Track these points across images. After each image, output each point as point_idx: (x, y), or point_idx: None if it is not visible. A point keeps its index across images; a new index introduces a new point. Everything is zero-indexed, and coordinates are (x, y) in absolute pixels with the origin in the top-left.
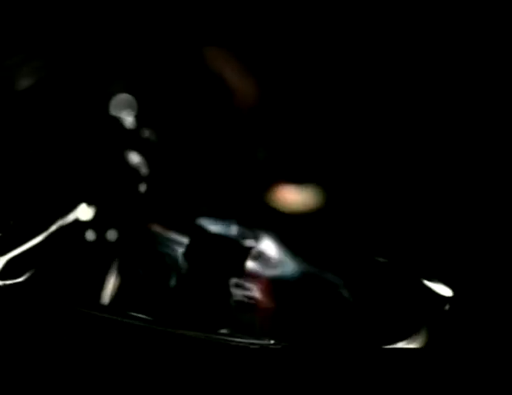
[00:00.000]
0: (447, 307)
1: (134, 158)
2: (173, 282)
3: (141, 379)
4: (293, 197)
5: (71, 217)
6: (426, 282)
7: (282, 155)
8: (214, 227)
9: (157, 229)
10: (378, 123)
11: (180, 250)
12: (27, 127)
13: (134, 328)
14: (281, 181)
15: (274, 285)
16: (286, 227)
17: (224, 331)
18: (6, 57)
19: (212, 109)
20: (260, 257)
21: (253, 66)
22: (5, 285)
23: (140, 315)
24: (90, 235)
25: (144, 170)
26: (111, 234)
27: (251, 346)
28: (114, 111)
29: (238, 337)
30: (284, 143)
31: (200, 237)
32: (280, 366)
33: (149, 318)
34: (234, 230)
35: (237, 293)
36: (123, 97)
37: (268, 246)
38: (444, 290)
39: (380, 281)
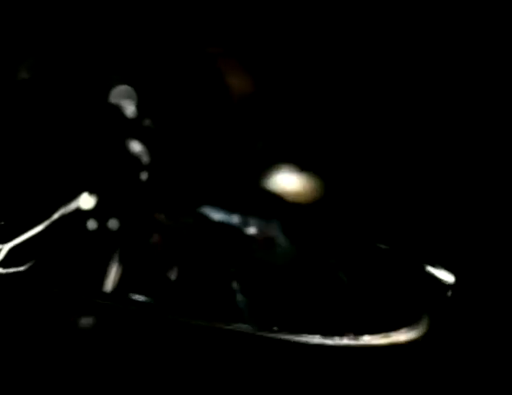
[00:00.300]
0: (449, 293)
1: (136, 147)
2: (175, 270)
3: (144, 367)
4: (295, 185)
5: (73, 206)
6: (429, 268)
7: (284, 144)
8: (216, 215)
9: (159, 217)
10: (378, 111)
11: (183, 239)
12: (29, 116)
13: (137, 315)
14: (283, 169)
15: (274, 272)
16: (287, 215)
17: (227, 318)
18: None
19: (213, 98)
20: (263, 244)
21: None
22: (7, 274)
23: (143, 301)
24: (91, 224)
25: (146, 159)
26: (113, 223)
27: (254, 333)
28: (115, 100)
29: (240, 324)
30: (285, 132)
31: (202, 225)
32: (284, 353)
33: (152, 305)
34: (236, 218)
35: (239, 280)
36: (124, 87)
37: (270, 233)
38: (447, 277)
39: (382, 268)
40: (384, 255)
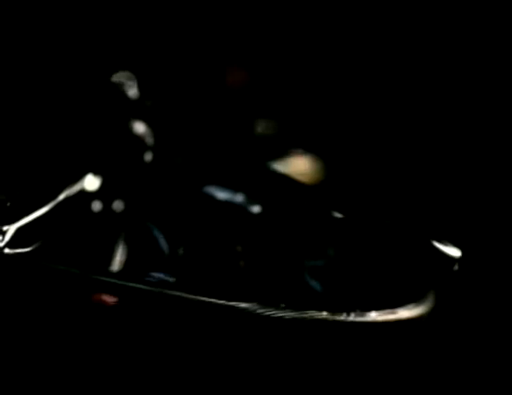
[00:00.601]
0: (456, 268)
1: (139, 128)
2: (180, 249)
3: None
4: (298, 165)
5: (77, 187)
6: (435, 243)
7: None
8: (221, 194)
9: (163, 196)
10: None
11: (188, 218)
12: (34, 99)
13: (145, 294)
14: (286, 149)
15: (280, 250)
16: (290, 194)
17: (231, 296)
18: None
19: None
20: (268, 222)
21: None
22: (14, 254)
23: (150, 280)
24: (96, 205)
25: (150, 140)
26: (117, 204)
27: (257, 311)
28: (118, 81)
29: (247, 302)
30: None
31: (207, 204)
32: (291, 330)
33: (159, 284)
34: (240, 197)
35: (243, 259)
36: (126, 72)
37: (273, 213)
38: (453, 251)
39: (388, 244)
40: (391, 230)
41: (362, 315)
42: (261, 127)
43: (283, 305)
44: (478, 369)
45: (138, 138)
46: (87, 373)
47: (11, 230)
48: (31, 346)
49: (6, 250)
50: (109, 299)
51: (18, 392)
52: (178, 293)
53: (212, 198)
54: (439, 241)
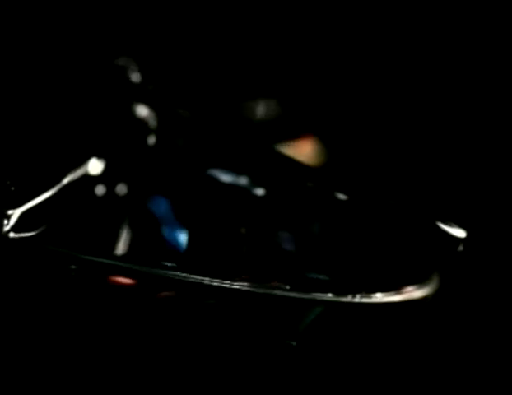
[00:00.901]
0: (461, 248)
1: (142, 111)
2: (184, 232)
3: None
4: (302, 147)
5: (81, 171)
6: (440, 224)
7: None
8: (225, 177)
9: (168, 181)
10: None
11: (192, 200)
12: (38, 84)
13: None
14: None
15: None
16: (294, 177)
17: (236, 278)
18: None
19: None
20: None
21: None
22: (19, 238)
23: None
24: (100, 189)
25: (152, 123)
26: (121, 188)
27: (262, 293)
28: (120, 65)
29: (254, 284)
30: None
31: (211, 187)
32: (296, 312)
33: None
34: (244, 179)
35: (248, 241)
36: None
37: (278, 195)
38: (458, 232)
39: (393, 224)
40: (395, 211)
41: (367, 296)
42: (264, 109)
43: (288, 287)
44: (482, 349)
45: (141, 121)
46: (92, 356)
47: (15, 214)
48: (36, 330)
49: (11, 234)
50: (117, 280)
51: (24, 377)
52: (182, 275)
53: (216, 181)
54: (444, 222)
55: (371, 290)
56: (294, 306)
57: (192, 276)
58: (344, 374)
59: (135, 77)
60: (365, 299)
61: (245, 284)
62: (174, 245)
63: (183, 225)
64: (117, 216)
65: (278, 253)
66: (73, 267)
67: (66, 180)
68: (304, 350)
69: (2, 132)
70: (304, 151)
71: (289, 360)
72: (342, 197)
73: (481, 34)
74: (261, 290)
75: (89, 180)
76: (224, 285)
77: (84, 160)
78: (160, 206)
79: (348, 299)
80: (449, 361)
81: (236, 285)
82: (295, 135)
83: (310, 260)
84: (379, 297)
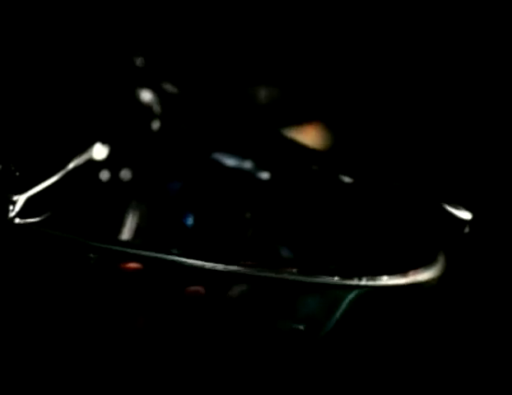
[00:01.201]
0: (466, 230)
1: (147, 96)
2: (189, 217)
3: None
4: (307, 131)
5: (86, 157)
6: (446, 206)
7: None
8: (230, 161)
9: (173, 166)
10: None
11: (195, 185)
12: (44, 70)
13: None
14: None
15: (290, 216)
16: (299, 160)
17: (239, 262)
18: None
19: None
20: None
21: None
22: (25, 224)
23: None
24: (105, 174)
25: (157, 108)
26: (126, 173)
27: (268, 277)
28: (125, 51)
29: (260, 268)
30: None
31: (216, 171)
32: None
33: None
34: (249, 163)
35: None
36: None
37: (284, 179)
38: (464, 214)
39: (399, 207)
40: (401, 194)
41: (374, 279)
42: (271, 94)
43: (294, 270)
44: (488, 330)
45: (146, 107)
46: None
47: (21, 199)
48: (42, 315)
49: (17, 220)
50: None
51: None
52: (187, 260)
53: (221, 165)
54: (450, 204)
55: (377, 273)
56: (300, 290)
57: (197, 261)
58: (350, 357)
59: (139, 63)
60: (371, 282)
61: (250, 268)
62: (180, 230)
63: (189, 210)
64: (121, 202)
65: (283, 237)
66: (92, 255)
67: (71, 166)
68: (313, 333)
69: (7, 118)
70: (309, 134)
71: (298, 341)
72: (347, 180)
73: (484, 28)
74: (266, 274)
75: (94, 165)
76: (229, 269)
77: (89, 146)
78: (165, 192)
79: (354, 282)
80: (455, 341)
81: (241, 270)
82: (301, 119)
83: (316, 243)
84: (384, 280)
